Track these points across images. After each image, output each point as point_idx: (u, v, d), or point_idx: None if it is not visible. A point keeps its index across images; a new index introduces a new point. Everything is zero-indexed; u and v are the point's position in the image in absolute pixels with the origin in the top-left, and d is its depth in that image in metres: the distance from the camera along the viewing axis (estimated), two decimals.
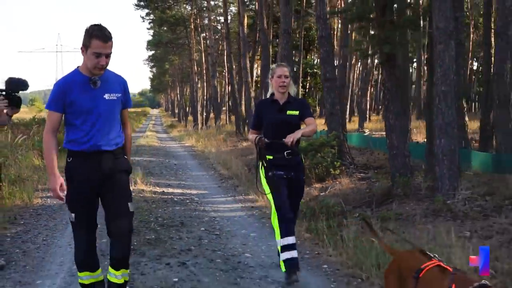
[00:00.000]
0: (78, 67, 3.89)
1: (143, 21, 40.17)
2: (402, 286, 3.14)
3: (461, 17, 9.00)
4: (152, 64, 63.27)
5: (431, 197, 7.48)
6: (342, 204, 7.55)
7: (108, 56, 3.73)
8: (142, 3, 34.93)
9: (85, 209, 3.88)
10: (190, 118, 47.22)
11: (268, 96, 5.15)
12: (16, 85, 4.56)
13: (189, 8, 40.50)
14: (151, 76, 76.22)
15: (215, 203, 9.24)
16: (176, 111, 72.18)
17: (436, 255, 3.14)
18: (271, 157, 4.86)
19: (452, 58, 7.44)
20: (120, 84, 4.00)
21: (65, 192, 3.88)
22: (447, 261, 4.42)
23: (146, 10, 37.36)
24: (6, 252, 5.66)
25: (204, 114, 40.64)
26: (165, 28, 42.80)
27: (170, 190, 10.35)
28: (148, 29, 49.00)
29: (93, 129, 3.81)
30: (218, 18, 35.40)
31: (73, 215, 3.87)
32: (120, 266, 3.95)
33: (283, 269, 4.73)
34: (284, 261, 4.70)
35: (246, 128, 23.10)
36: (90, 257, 3.98)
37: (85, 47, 3.72)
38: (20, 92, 4.52)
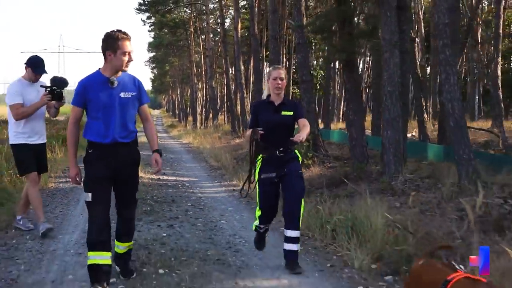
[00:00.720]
0: (99, 68, 4.41)
1: (144, 24, 41.57)
2: None
3: (407, 29, 10.47)
4: (153, 65, 64.55)
5: (379, 179, 9.02)
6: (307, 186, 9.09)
7: (131, 54, 4.35)
8: (143, 7, 36.32)
9: (101, 190, 4.34)
10: (190, 118, 48.49)
11: (264, 97, 5.39)
12: (59, 82, 6.09)
13: (189, 11, 41.91)
14: (152, 77, 77.09)
15: (203, 187, 10.82)
16: (177, 111, 73.28)
17: (462, 267, 3.02)
18: (264, 155, 5.13)
19: (397, 64, 8.96)
20: (135, 83, 4.51)
21: (82, 179, 4.46)
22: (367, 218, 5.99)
23: (147, 14, 38.69)
24: (32, 219, 7.19)
25: (203, 114, 42.03)
26: (165, 31, 44.02)
27: (165, 177, 11.93)
28: (149, 31, 50.22)
29: (111, 124, 4.33)
30: (218, 20, 36.71)
31: (90, 195, 4.31)
32: (126, 240, 4.66)
33: (254, 228, 5.47)
34: (257, 227, 5.42)
35: (241, 128, 24.41)
36: (104, 235, 4.35)
37: (113, 50, 4.25)
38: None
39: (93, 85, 4.33)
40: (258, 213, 5.31)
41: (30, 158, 6.15)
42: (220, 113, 44.36)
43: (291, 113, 5.13)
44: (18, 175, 7.96)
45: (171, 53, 51.69)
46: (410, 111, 23.92)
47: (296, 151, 5.27)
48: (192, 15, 41.35)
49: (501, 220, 6.01)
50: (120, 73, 4.39)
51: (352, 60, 9.95)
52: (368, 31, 10.05)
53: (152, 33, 48.56)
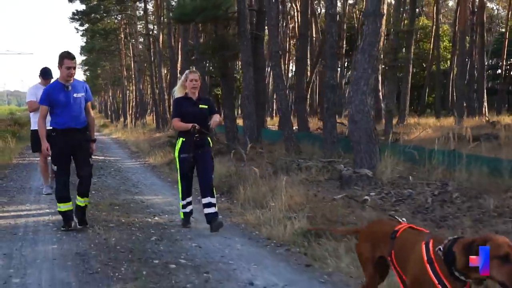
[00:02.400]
0: (57, 78, 6.16)
1: (77, 32, 44.62)
2: (376, 252, 3.31)
3: (261, 52, 15.22)
4: (86, 68, 66.91)
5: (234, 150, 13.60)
6: None
7: (74, 68, 6.03)
8: (76, 17, 39.53)
9: (63, 163, 6.15)
10: (122, 119, 51.67)
11: (176, 95, 6.63)
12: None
13: (120, 17, 45.23)
14: (85, 79, 78.62)
15: (123, 162, 15.23)
16: (109, 112, 75.39)
17: (404, 219, 3.52)
18: (184, 139, 6.28)
19: (251, 77, 13.58)
20: (83, 87, 6.25)
21: (49, 152, 6.11)
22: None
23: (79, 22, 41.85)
24: (7, 176, 11.27)
25: (133, 114, 45.58)
26: (97, 36, 47.04)
27: (96, 157, 16.19)
28: (81, 35, 52.47)
29: (68, 116, 6.04)
30: (144, 31, 40.42)
31: (55, 167, 6.22)
32: (84, 196, 6.30)
33: (182, 216, 6.70)
34: (184, 213, 6.65)
35: (166, 124, 28.02)
36: (66, 192, 6.18)
37: (60, 64, 5.96)
38: None
39: (54, 90, 6.08)
40: (179, 188, 6.64)
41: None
42: (149, 113, 48.09)
43: (207, 106, 6.42)
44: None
45: (103, 57, 54.54)
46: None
47: (209, 138, 6.52)
48: (123, 21, 44.80)
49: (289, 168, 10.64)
50: (72, 80, 6.12)
51: (226, 74, 14.55)
52: (233, 55, 14.70)
53: (85, 37, 51.19)
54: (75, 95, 6.12)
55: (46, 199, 8.58)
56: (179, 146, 6.36)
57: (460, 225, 5.97)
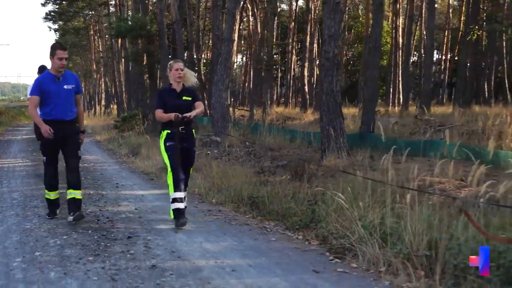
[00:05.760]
0: (49, 69, 6.13)
1: (50, 30, 49.29)
2: None
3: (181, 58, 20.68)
4: None
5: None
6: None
7: (66, 59, 5.96)
8: (49, 16, 44.31)
9: (51, 154, 6.18)
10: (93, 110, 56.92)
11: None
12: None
13: (91, 14, 49.97)
14: None
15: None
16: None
17: None
18: (169, 131, 6.09)
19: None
20: (74, 79, 6.22)
21: (51, 132, 5.88)
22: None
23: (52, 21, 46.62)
24: None
25: (103, 104, 50.84)
26: (71, 31, 51.76)
27: None
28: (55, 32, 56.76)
29: (57, 107, 5.99)
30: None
31: (44, 158, 6.21)
32: (76, 188, 6.11)
33: (172, 216, 6.13)
34: (174, 210, 6.06)
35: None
36: (54, 182, 6.33)
37: (52, 55, 5.90)
38: None
39: (45, 81, 6.00)
40: (170, 178, 6.13)
41: None
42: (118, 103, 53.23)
43: (190, 98, 6.24)
44: None
45: (75, 52, 59.24)
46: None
47: (193, 130, 6.43)
48: (93, 19, 49.67)
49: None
50: (63, 71, 6.04)
51: (152, 74, 19.91)
52: (157, 61, 20.11)
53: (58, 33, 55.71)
54: (65, 86, 6.07)
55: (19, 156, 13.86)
56: (164, 137, 6.15)
57: (249, 162, 11.28)
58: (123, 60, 30.01)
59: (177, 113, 5.97)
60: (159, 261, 4.75)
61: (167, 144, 6.11)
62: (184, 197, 6.16)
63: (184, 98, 6.20)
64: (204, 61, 33.06)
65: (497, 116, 10.47)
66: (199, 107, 6.36)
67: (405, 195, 5.20)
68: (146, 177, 10.74)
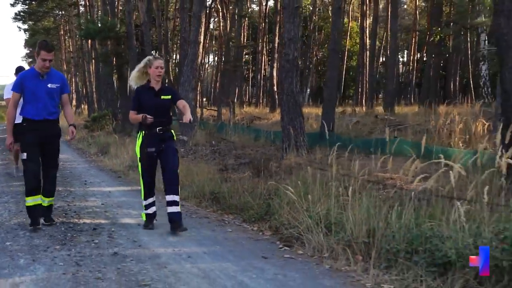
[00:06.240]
0: (34, 65, 5.85)
1: (20, 30, 49.00)
2: None
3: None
4: (30, 60, 70.96)
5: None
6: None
7: (51, 60, 5.70)
8: (18, 17, 44.06)
9: (32, 151, 5.71)
10: None
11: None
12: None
13: (61, 14, 49.83)
14: None
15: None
16: None
17: None
18: (144, 133, 5.83)
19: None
20: (59, 78, 5.95)
21: (14, 146, 6.00)
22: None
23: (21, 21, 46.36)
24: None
25: (74, 104, 50.66)
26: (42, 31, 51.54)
27: None
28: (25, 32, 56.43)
29: (40, 105, 5.71)
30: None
31: (25, 154, 5.71)
32: (50, 196, 5.99)
33: (144, 218, 6.13)
34: (146, 214, 6.09)
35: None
36: (36, 183, 5.75)
37: (37, 54, 5.66)
38: None
39: (28, 77, 5.79)
40: (141, 186, 6.07)
41: None
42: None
43: (169, 96, 5.90)
44: None
45: None
46: None
47: (172, 130, 6.08)
48: (63, 19, 49.47)
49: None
50: (49, 69, 5.79)
51: (122, 75, 20.18)
52: (126, 62, 20.43)
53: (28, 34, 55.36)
54: (49, 85, 5.81)
55: None
56: (141, 141, 5.88)
57: (214, 160, 11.73)
58: (93, 60, 30.08)
59: (145, 115, 5.69)
60: (121, 249, 5.16)
61: (142, 150, 5.88)
62: (177, 201, 5.89)
63: (162, 97, 5.88)
64: (175, 61, 33.39)
65: (448, 115, 11.07)
66: (185, 106, 5.97)
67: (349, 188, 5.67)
68: (114, 175, 11.13)
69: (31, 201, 5.79)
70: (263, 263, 4.80)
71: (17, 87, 5.84)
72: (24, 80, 5.81)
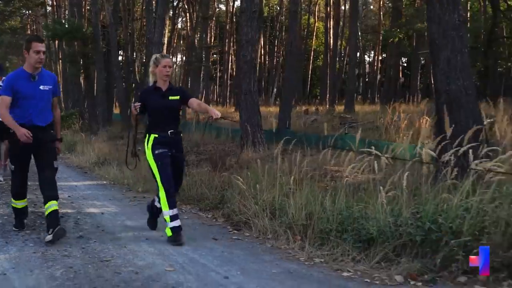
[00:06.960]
0: (23, 66, 5.30)
1: None
2: None
3: (117, 66, 21.48)
4: None
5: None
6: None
7: (44, 53, 5.21)
8: None
9: (21, 164, 5.37)
10: None
11: (150, 83, 5.58)
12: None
13: (28, 13, 49.36)
14: None
15: None
16: None
17: None
18: (156, 135, 5.31)
19: (103, 78, 19.71)
20: (51, 78, 5.46)
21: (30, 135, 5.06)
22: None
23: None
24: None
25: None
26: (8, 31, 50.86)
27: None
28: None
29: (31, 109, 5.20)
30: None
31: (13, 166, 5.41)
32: (51, 199, 5.22)
33: (169, 233, 5.37)
34: (172, 228, 5.33)
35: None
36: (23, 189, 5.61)
37: (27, 49, 5.13)
38: None
39: (18, 79, 5.23)
40: (162, 193, 5.31)
41: None
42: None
43: (178, 97, 5.45)
44: None
45: (11, 52, 58.01)
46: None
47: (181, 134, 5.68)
48: (29, 19, 49.01)
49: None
50: (40, 70, 5.29)
51: (89, 75, 20.65)
52: (92, 62, 20.90)
53: None
54: (41, 87, 5.30)
55: None
56: (151, 143, 5.35)
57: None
58: (60, 61, 30.32)
59: (135, 104, 5.38)
60: (86, 233, 5.75)
61: (156, 152, 5.31)
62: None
63: (170, 98, 5.41)
64: (143, 61, 33.79)
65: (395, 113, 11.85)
66: (201, 104, 5.71)
67: (293, 178, 6.34)
68: (80, 171, 11.68)
69: (19, 204, 5.68)
70: (213, 244, 5.44)
71: (8, 90, 5.18)
72: (15, 83, 5.21)
